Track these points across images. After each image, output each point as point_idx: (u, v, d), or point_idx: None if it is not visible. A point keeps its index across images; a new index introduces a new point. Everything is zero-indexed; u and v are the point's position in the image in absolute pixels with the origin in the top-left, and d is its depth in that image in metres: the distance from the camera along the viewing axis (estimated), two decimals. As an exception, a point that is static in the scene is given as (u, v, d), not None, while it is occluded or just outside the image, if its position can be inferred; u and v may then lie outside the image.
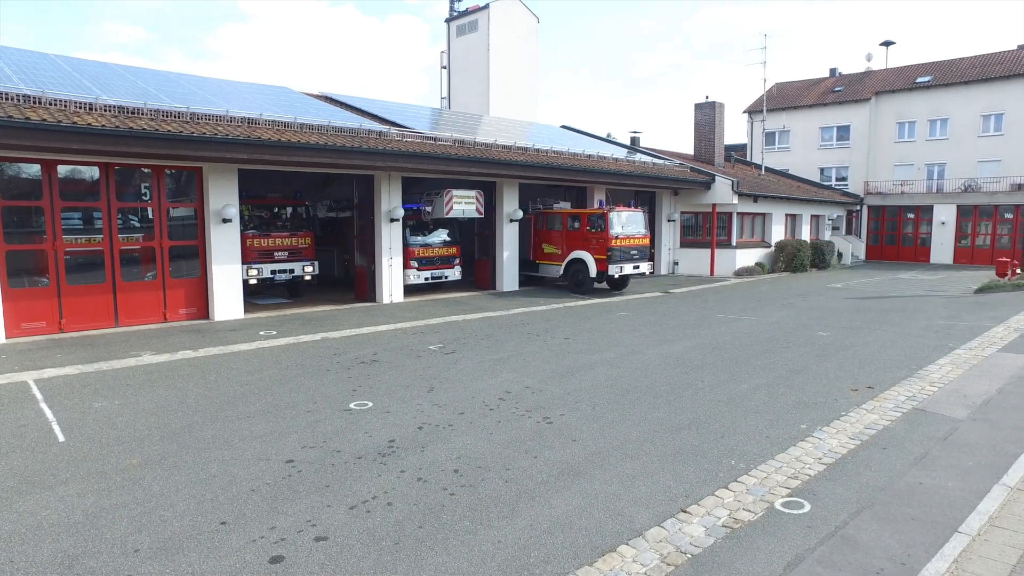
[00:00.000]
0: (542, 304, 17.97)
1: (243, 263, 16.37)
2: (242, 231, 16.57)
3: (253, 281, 16.82)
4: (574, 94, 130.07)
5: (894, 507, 5.88)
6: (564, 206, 21.94)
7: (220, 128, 13.39)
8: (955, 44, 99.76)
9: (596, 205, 21.64)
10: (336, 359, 11.51)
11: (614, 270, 19.62)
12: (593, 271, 19.73)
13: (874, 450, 7.25)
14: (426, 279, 19.20)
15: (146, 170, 13.92)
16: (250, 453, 7.17)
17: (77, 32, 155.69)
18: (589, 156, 21.51)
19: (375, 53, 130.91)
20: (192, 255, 14.74)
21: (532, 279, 22.06)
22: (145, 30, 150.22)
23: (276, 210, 18.05)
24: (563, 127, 30.88)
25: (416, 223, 19.38)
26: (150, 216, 14.13)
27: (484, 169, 17.70)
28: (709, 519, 5.68)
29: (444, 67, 34.79)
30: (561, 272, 20.81)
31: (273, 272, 17.19)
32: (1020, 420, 8.11)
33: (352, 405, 8.87)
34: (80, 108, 12.19)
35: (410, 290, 19.53)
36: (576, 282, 20.32)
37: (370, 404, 8.92)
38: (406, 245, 18.68)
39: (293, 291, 18.80)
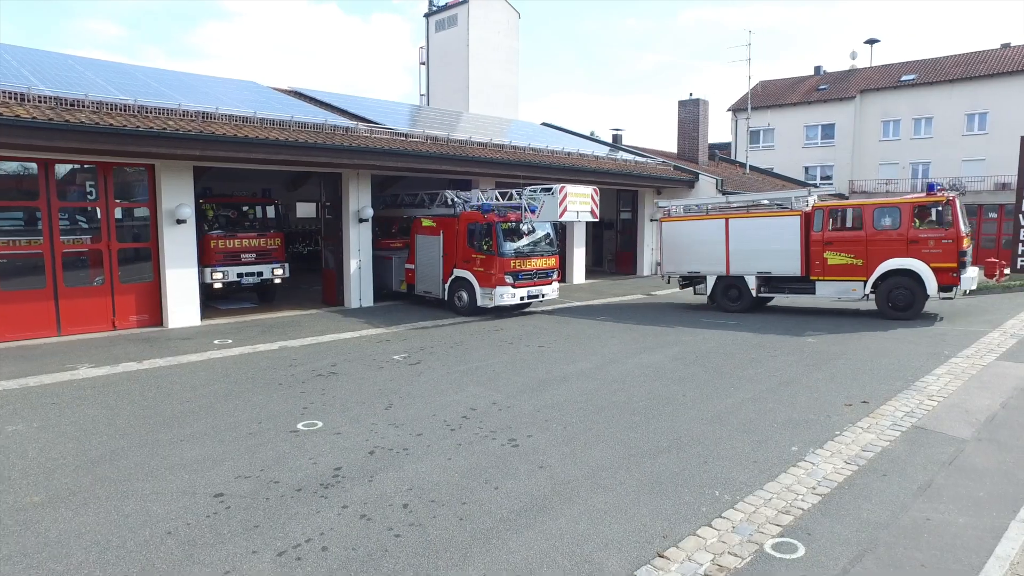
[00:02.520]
0: (516, 313, 17.18)
1: (207, 266, 15.56)
2: (206, 232, 15.72)
3: (218, 285, 15.87)
4: (559, 93, 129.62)
5: (900, 550, 5.15)
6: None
7: (171, 123, 12.47)
8: (939, 42, 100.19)
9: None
10: (291, 371, 10.66)
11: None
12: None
13: (873, 477, 6.53)
14: (522, 298, 15.83)
15: (91, 167, 12.97)
16: (175, 485, 6.33)
17: (56, 29, 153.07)
18: (568, 154, 20.74)
19: (358, 52, 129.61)
20: (144, 258, 13.82)
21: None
22: (126, 28, 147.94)
23: (244, 209, 17.14)
24: (544, 124, 30.13)
25: (511, 227, 15.79)
26: (98, 216, 13.18)
27: (458, 167, 16.88)
28: (689, 566, 4.94)
29: (423, 63, 33.90)
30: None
31: (240, 275, 16.24)
32: (1029, 440, 7.42)
33: (300, 425, 8.05)
34: (10, 98, 11.24)
35: (383, 295, 18.67)
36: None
37: (320, 424, 8.09)
38: (501, 255, 15.36)
39: (264, 295, 17.83)
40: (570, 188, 14.99)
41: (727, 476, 6.58)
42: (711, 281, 16.99)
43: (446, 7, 32.49)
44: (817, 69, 46.17)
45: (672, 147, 31.21)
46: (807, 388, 9.48)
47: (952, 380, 9.69)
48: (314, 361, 11.30)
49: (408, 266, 17.86)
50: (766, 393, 9.27)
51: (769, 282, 16.35)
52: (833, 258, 15.30)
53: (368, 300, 17.40)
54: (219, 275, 15.79)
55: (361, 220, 16.78)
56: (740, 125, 41.41)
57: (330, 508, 5.88)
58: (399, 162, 15.55)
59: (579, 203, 15.19)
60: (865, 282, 14.94)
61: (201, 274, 15.61)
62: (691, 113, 29.80)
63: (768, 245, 16.03)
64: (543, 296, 16.34)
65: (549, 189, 15.06)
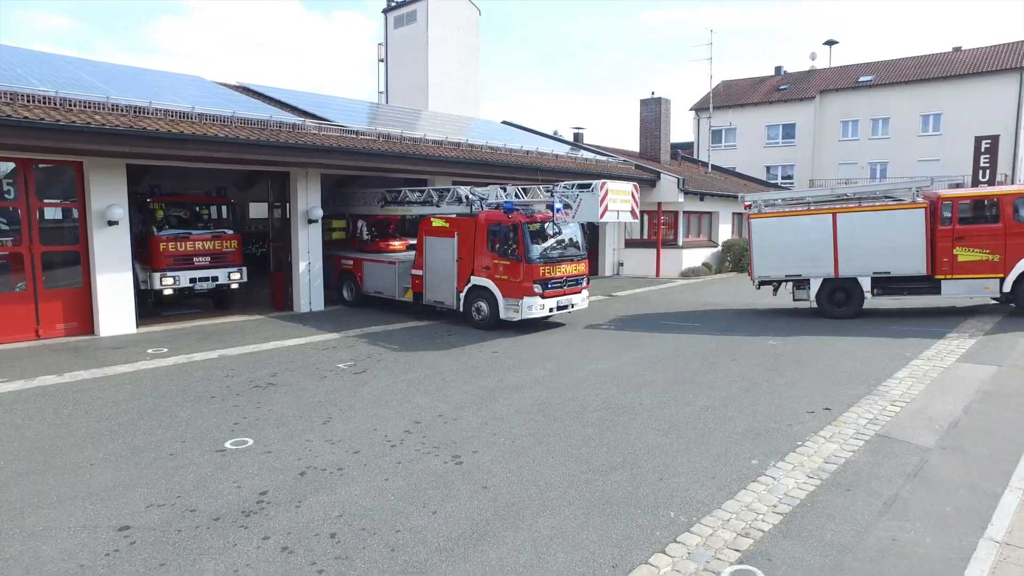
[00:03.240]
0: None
1: (156, 270, 14.66)
2: (155, 234, 14.77)
3: (169, 291, 14.79)
4: (522, 93, 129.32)
5: (866, 577, 4.76)
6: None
7: (97, 117, 11.66)
8: (895, 44, 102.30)
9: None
10: (227, 382, 9.97)
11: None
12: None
13: (837, 492, 6.16)
14: (551, 309, 13.90)
15: (8, 164, 12.07)
16: (76, 518, 5.67)
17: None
18: (527, 152, 20.26)
19: (320, 50, 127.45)
20: (72, 262, 12.94)
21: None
22: (76, 20, 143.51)
23: (197, 209, 16.01)
24: (504, 123, 29.63)
25: (537, 229, 13.85)
26: (19, 217, 12.29)
27: (412, 166, 16.24)
28: (640, 602, 4.47)
29: (381, 60, 33.12)
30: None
31: (193, 280, 15.08)
32: (993, 448, 7.15)
33: (228, 444, 7.41)
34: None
35: (333, 299, 17.96)
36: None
37: (250, 442, 7.47)
38: (528, 260, 13.43)
39: (220, 302, 16.61)
40: (611, 185, 13.68)
41: (684, 494, 6.14)
42: (815, 284, 15.08)
43: (405, 3, 31.76)
44: (778, 69, 46.52)
45: (635, 146, 30.98)
46: (768, 394, 9.12)
47: (915, 384, 9.43)
48: (253, 371, 10.62)
49: (415, 272, 15.49)
50: (726, 400, 8.89)
51: (886, 283, 14.70)
52: (964, 254, 13.83)
53: (319, 304, 16.69)
54: (169, 280, 14.68)
55: (310, 221, 16.07)
56: (702, 124, 41.46)
57: (249, 540, 5.29)
58: (349, 160, 14.88)
59: (620, 201, 13.88)
60: (1002, 280, 13.74)
61: (150, 279, 14.72)
62: (653, 112, 29.59)
63: (887, 242, 14.33)
64: (572, 307, 14.43)
65: (588, 186, 13.65)
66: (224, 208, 16.37)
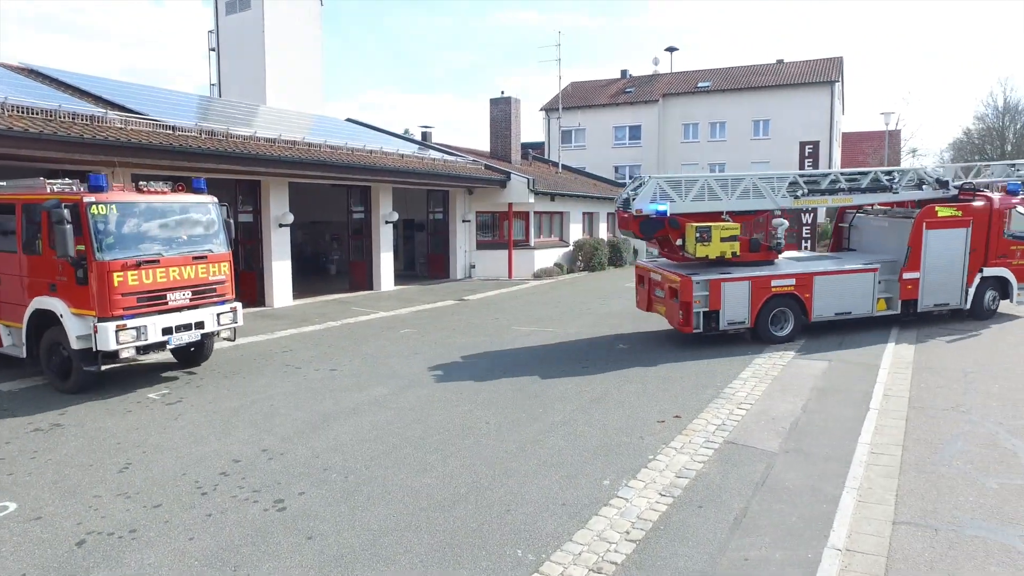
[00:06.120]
0: (315, 323, 15.42)
1: (105, 319, 8.99)
2: (98, 257, 8.99)
3: (128, 352, 9.31)
4: (372, 91, 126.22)
5: (721, 612, 4.42)
6: None
7: None
8: (729, 53, 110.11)
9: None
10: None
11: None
12: None
13: (689, 510, 5.88)
14: None
15: None
16: None
17: None
18: (371, 152, 19.12)
19: (151, 38, 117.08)
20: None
21: None
22: None
23: (176, 215, 10.19)
24: (349, 120, 28.22)
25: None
26: None
27: (239, 166, 14.62)
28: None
29: (212, 49, 30.48)
30: None
31: (168, 331, 9.65)
32: (829, 447, 7.26)
33: (-19, 512, 5.97)
34: None
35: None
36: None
37: (12, 507, 6.07)
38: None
39: (191, 358, 11.10)
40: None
41: (532, 527, 5.61)
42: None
43: (237, -13, 29.32)
44: (624, 73, 48.24)
45: (487, 146, 30.67)
46: (619, 404, 8.86)
47: (758, 384, 9.57)
48: (33, 409, 8.93)
49: (910, 275, 12.91)
50: (576, 413, 8.52)
51: None
52: None
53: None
54: (129, 335, 9.18)
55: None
56: (552, 125, 42.07)
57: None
58: (162, 159, 13.09)
59: None
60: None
61: (94, 333, 8.99)
62: (503, 112, 29.40)
63: None
64: None
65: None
66: (205, 210, 10.52)
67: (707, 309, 11.68)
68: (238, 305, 10.67)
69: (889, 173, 13.53)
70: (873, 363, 10.61)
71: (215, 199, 10.69)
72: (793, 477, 6.53)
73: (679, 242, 12.14)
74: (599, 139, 43.20)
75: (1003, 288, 13.86)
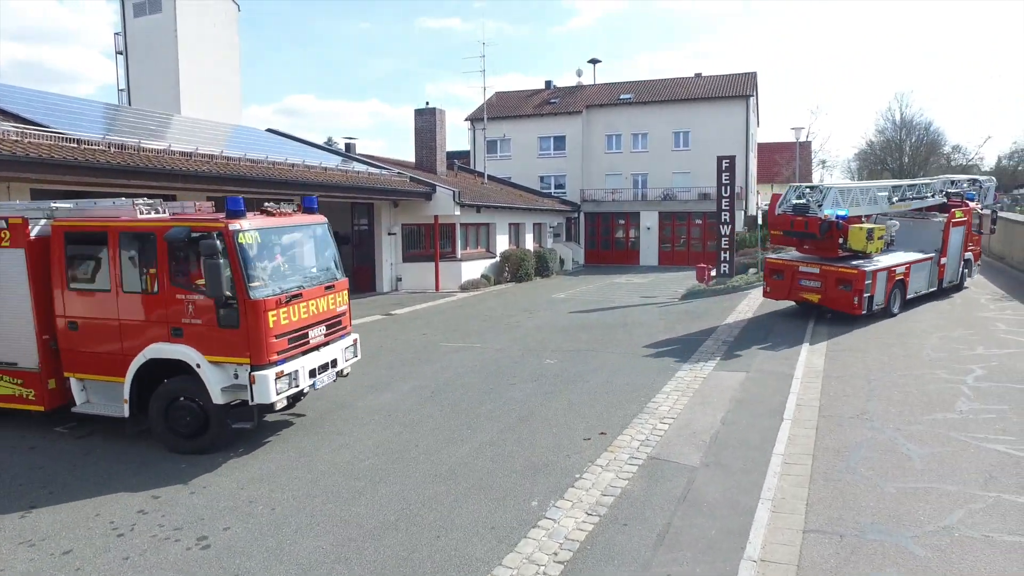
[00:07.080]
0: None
1: (260, 366, 7.63)
2: (252, 295, 7.66)
3: (282, 404, 7.96)
4: (293, 96, 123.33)
5: (645, 633, 4.55)
6: None
7: None
8: (649, 67, 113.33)
9: None
10: None
11: None
12: None
13: (615, 528, 6.04)
14: None
15: None
16: None
17: None
18: (293, 165, 18.71)
19: (50, 40, 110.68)
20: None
21: None
22: None
23: (293, 236, 9.01)
24: (269, 131, 27.54)
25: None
26: None
27: (150, 182, 13.95)
28: None
29: (120, 53, 28.99)
30: None
31: (314, 372, 8.44)
32: (746, 459, 7.57)
33: None
34: None
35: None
36: None
37: (-99, 559, 5.64)
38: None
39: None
40: None
41: (462, 553, 5.64)
42: None
43: (146, -12, 27.93)
44: (548, 83, 48.82)
45: (412, 155, 30.50)
46: (546, 422, 8.97)
47: (680, 398, 9.86)
48: None
49: (943, 261, 17.43)
50: (505, 432, 8.58)
51: None
52: None
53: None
54: (284, 383, 7.79)
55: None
56: (478, 135, 42.19)
57: None
58: (66, 175, 12.39)
59: None
60: None
61: (251, 384, 7.59)
62: (428, 122, 29.34)
63: None
64: None
65: None
66: (319, 230, 9.35)
67: (870, 294, 14.56)
68: (357, 337, 9.63)
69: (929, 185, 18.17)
70: (787, 373, 11.11)
71: (326, 219, 9.50)
72: (713, 491, 6.78)
73: (840, 240, 15.04)
74: (525, 149, 43.58)
75: (969, 267, 18.79)
